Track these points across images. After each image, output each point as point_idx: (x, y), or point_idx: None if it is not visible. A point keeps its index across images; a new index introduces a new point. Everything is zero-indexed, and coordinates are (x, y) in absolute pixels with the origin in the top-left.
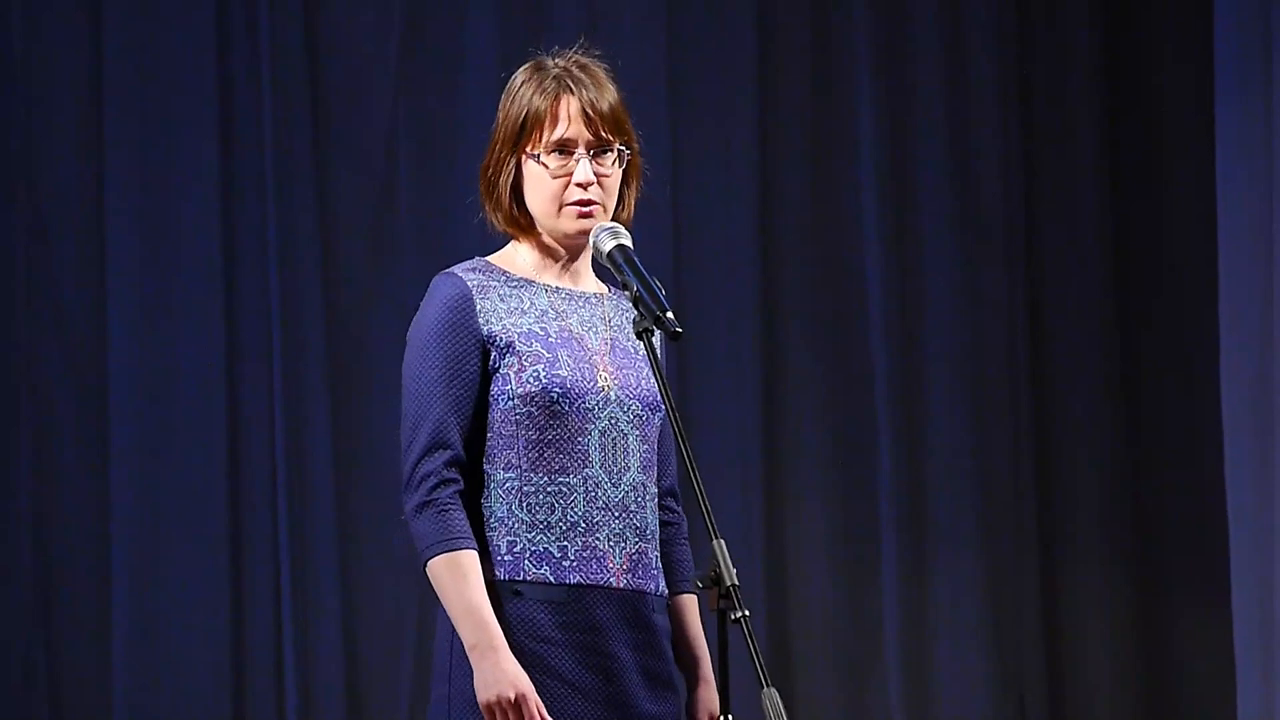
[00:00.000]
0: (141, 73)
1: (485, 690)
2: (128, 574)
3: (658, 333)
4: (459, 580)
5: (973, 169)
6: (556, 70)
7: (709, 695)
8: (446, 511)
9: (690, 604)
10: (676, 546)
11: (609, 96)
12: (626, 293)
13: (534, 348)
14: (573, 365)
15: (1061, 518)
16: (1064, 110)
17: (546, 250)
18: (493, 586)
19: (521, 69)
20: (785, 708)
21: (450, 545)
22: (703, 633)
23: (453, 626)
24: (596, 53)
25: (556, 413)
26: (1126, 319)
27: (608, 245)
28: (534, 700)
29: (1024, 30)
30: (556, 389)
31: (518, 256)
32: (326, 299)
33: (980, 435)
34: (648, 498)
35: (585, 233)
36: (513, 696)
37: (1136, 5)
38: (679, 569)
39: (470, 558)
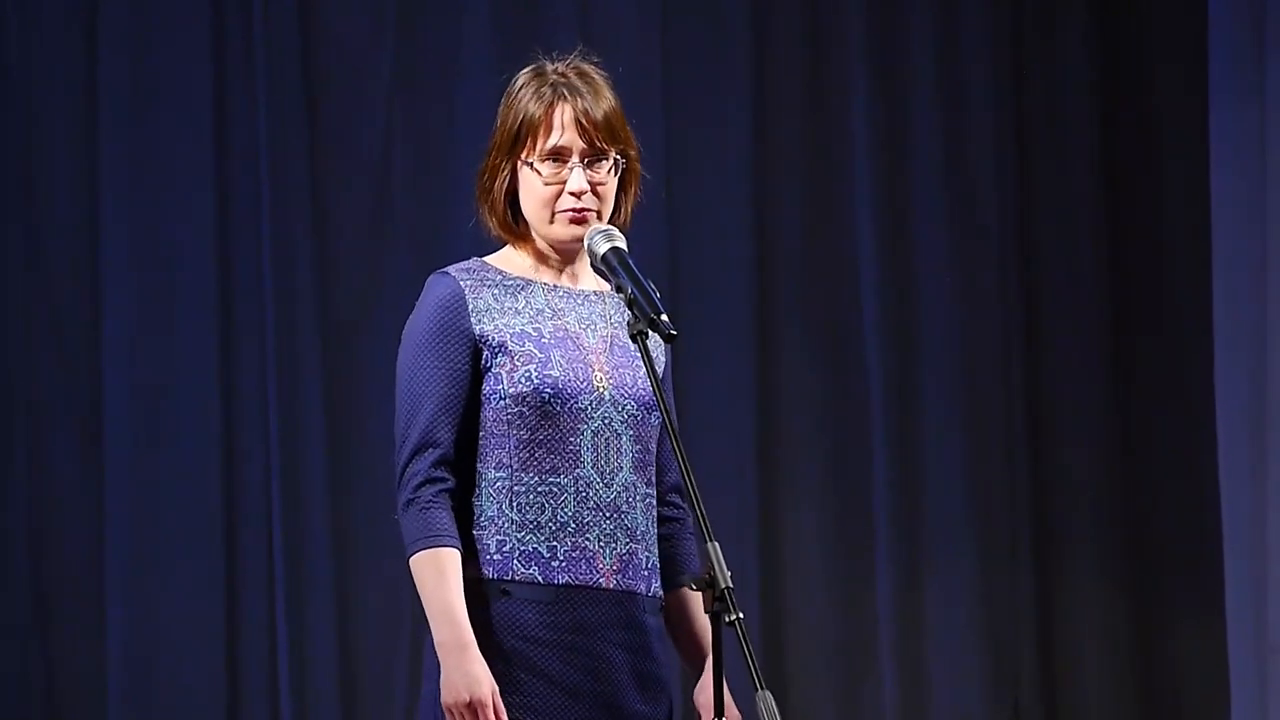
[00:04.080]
0: (136, 77)
1: (447, 692)
2: (123, 578)
3: (653, 335)
4: (436, 577)
5: (968, 173)
6: (554, 77)
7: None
8: (428, 510)
9: (696, 595)
10: (683, 541)
11: (604, 104)
12: (621, 295)
13: (526, 347)
14: (565, 365)
15: (1056, 524)
16: (1059, 114)
17: (542, 254)
18: (481, 585)
19: (523, 72)
20: (780, 711)
21: (431, 542)
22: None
23: None
24: (596, 59)
25: (548, 413)
26: (1121, 325)
27: (602, 248)
28: (490, 705)
29: (1018, 34)
30: (548, 389)
31: (515, 257)
32: (322, 302)
33: (975, 440)
34: (639, 498)
35: (578, 239)
36: (468, 699)
37: (1131, 10)
38: (685, 563)
39: (450, 555)
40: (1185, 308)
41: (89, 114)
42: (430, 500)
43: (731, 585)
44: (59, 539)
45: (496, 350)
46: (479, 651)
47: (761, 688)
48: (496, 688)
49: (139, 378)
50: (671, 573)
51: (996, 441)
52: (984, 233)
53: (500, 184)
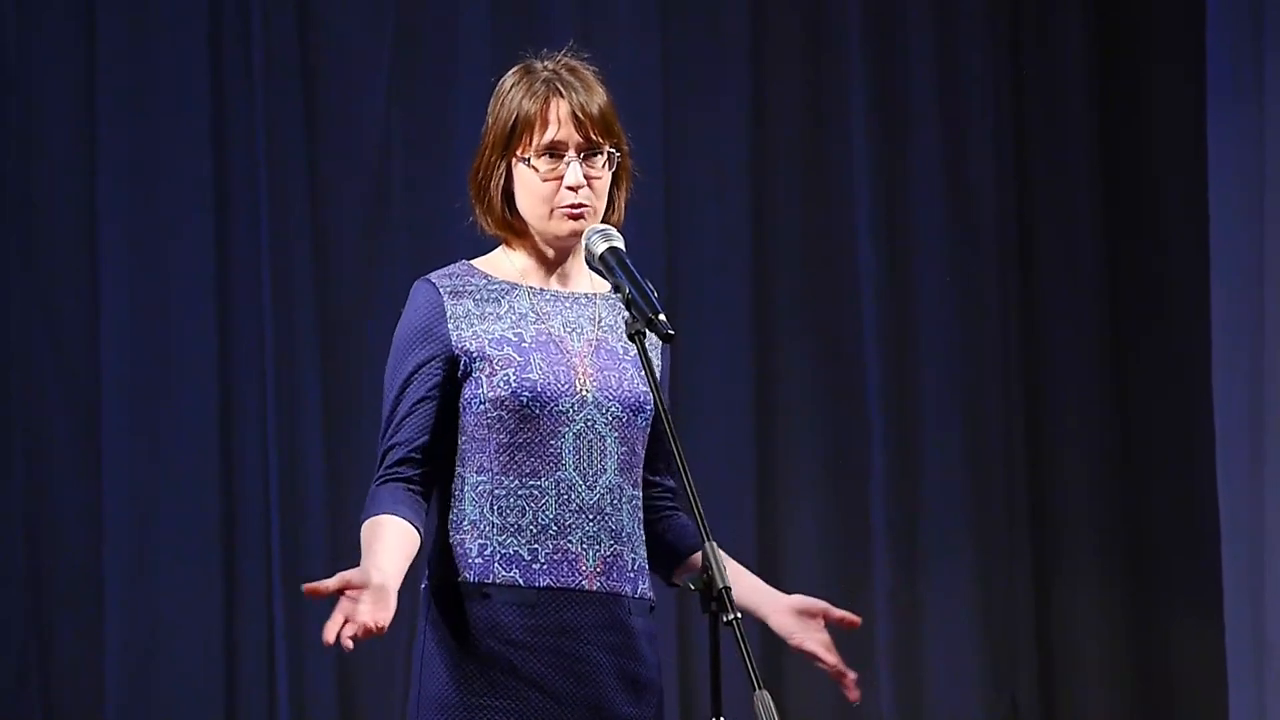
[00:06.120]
0: (135, 79)
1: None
2: (120, 578)
3: (650, 335)
4: (369, 536)
5: (966, 176)
6: (545, 73)
7: (785, 600)
8: (374, 497)
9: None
10: (680, 517)
11: (598, 99)
12: (618, 295)
13: (505, 352)
14: (546, 369)
15: (1054, 524)
16: (1057, 117)
17: (538, 253)
18: (462, 589)
19: (510, 72)
20: (777, 710)
21: (366, 517)
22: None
23: (426, 630)
24: (585, 55)
25: (527, 416)
26: (1119, 325)
27: (600, 248)
28: (348, 582)
29: (1017, 37)
30: (526, 393)
31: (505, 260)
32: (320, 303)
33: (973, 441)
34: (624, 500)
35: (577, 235)
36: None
37: (1129, 12)
38: (689, 534)
39: (383, 519)
40: (1183, 307)
41: (88, 114)
42: (377, 490)
43: (729, 585)
44: (58, 540)
45: (475, 357)
46: (370, 562)
47: (759, 687)
48: (362, 576)
49: (137, 378)
50: (684, 542)
51: (995, 441)
52: (983, 232)
53: (496, 182)
